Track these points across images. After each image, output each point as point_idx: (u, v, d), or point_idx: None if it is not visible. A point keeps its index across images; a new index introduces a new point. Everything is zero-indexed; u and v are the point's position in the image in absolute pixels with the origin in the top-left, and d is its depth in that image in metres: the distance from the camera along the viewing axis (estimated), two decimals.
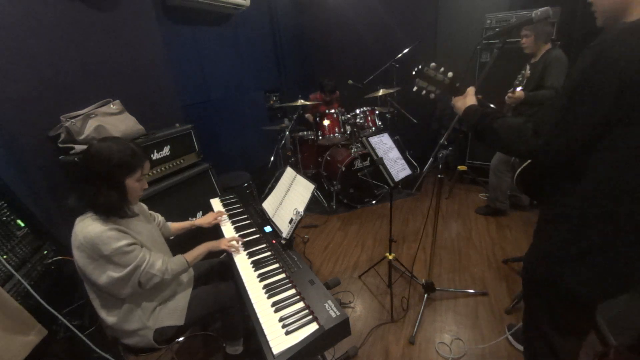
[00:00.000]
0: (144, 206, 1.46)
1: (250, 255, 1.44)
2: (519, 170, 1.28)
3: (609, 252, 0.86)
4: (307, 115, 3.79)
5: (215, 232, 1.74)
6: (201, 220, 1.74)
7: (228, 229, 1.70)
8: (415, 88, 1.21)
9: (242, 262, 1.40)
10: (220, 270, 1.68)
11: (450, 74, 1.15)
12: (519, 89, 2.18)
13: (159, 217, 1.60)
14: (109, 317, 1.22)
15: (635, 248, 0.85)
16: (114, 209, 1.16)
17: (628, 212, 0.83)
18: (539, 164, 1.05)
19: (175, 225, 1.67)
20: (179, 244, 1.58)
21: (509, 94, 2.21)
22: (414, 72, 1.18)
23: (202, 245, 1.45)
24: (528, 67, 2.21)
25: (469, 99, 1.14)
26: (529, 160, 1.17)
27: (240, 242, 1.52)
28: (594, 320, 1.29)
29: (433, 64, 1.16)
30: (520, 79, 2.15)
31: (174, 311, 1.33)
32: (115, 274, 1.12)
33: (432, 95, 1.20)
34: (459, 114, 1.15)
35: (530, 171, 1.17)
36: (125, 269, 1.13)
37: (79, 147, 1.60)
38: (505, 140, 0.94)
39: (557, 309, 1.05)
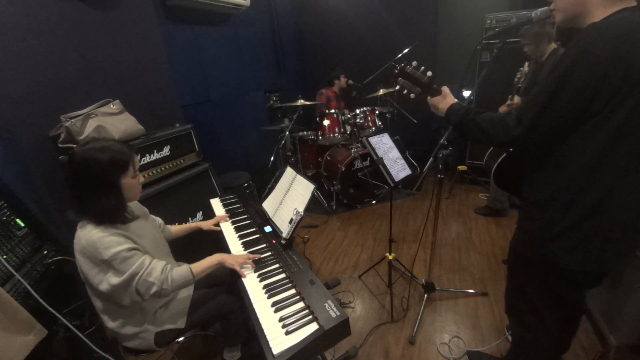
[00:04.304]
0: (145, 209, 1.44)
1: None
2: (494, 167, 1.29)
3: (592, 225, 0.93)
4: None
5: (216, 236, 1.70)
6: (203, 222, 1.72)
7: (228, 229, 1.70)
8: (397, 87, 1.23)
9: None
10: (223, 273, 1.64)
11: (429, 73, 1.16)
12: (519, 86, 2.17)
13: (159, 220, 1.58)
14: (110, 321, 1.22)
15: (614, 218, 0.92)
16: (115, 216, 1.14)
17: (608, 190, 0.89)
18: (517, 156, 1.08)
19: (176, 228, 1.65)
20: (178, 246, 1.56)
21: (509, 102, 2.16)
22: (395, 71, 1.20)
23: (214, 257, 1.30)
24: (527, 64, 2.20)
25: (449, 98, 1.16)
26: (503, 157, 1.19)
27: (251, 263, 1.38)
28: (582, 299, 1.34)
29: (414, 62, 1.17)
30: (519, 75, 2.13)
31: (175, 314, 1.32)
32: (114, 280, 1.09)
33: (412, 95, 1.21)
34: (440, 113, 1.17)
35: (508, 167, 1.19)
36: (123, 276, 1.09)
37: None
38: (489, 132, 1.00)
39: (547, 285, 1.09)
